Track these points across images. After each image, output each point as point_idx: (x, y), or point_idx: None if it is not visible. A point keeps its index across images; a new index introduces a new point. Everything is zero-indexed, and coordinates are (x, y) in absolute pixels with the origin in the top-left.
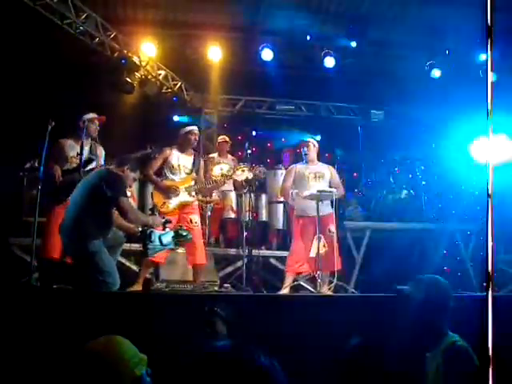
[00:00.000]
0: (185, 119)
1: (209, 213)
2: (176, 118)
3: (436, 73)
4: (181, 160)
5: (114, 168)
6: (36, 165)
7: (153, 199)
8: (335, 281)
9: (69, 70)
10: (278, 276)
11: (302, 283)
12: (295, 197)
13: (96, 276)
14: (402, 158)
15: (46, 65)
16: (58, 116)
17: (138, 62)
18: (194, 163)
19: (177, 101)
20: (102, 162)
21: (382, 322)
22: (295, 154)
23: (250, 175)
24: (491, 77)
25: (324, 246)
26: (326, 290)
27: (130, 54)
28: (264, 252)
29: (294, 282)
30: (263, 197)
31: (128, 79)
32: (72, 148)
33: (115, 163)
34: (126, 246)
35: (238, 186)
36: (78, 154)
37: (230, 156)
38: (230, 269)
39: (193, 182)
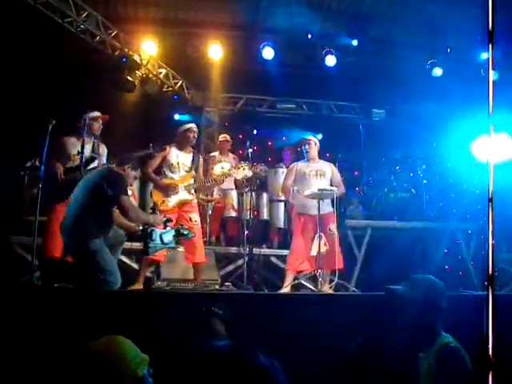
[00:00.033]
0: (186, 118)
1: (210, 211)
2: (177, 117)
3: (437, 71)
4: (180, 158)
5: (115, 167)
6: (37, 164)
7: (152, 198)
8: (336, 279)
9: (70, 69)
10: (278, 274)
11: (302, 282)
12: (296, 194)
13: (97, 275)
14: (404, 157)
15: (46, 63)
16: (59, 115)
17: (138, 61)
18: (193, 161)
19: (178, 99)
20: (105, 161)
21: (383, 321)
22: (296, 153)
23: (250, 173)
24: (492, 75)
25: (325, 244)
26: (327, 289)
27: (130, 53)
28: (265, 250)
29: (294, 280)
30: (264, 195)
31: (129, 78)
32: (74, 146)
33: (116, 162)
34: (127, 244)
35: (239, 185)
36: (78, 152)
37: (231, 154)
38: (230, 267)
39: (192, 180)
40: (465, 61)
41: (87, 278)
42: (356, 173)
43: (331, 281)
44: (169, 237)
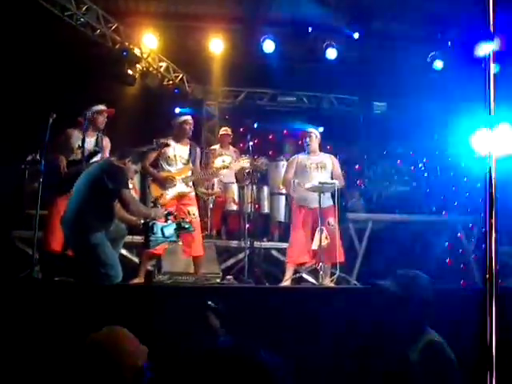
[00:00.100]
0: (186, 111)
1: (211, 205)
2: (177, 110)
3: (438, 64)
4: (177, 150)
5: (116, 160)
6: (37, 158)
7: (150, 191)
8: (337, 272)
9: (70, 62)
10: (279, 268)
11: (303, 275)
12: (296, 187)
13: (98, 269)
14: (405, 150)
15: (47, 57)
16: (59, 108)
17: (139, 54)
18: (190, 153)
19: (178, 93)
20: (108, 155)
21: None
22: (297, 146)
23: (246, 164)
24: (493, 68)
25: (326, 237)
26: (328, 282)
27: (131, 46)
28: (266, 244)
29: (295, 273)
30: (265, 189)
31: (129, 71)
32: (78, 139)
33: (117, 155)
34: (128, 238)
35: (239, 178)
36: (79, 146)
37: (231, 148)
38: (231, 261)
39: (189, 173)
40: (466, 54)
41: (88, 271)
42: (357, 166)
43: (332, 274)
44: (170, 230)
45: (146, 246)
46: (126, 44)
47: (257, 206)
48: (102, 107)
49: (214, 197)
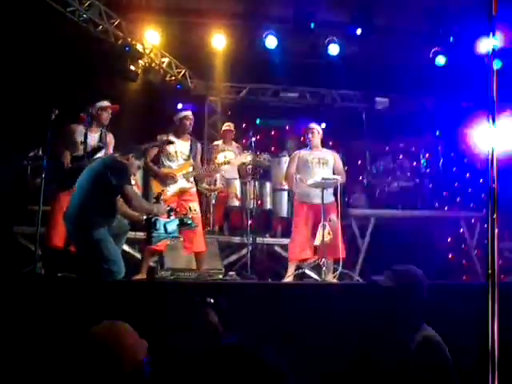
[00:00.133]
0: (189, 107)
1: (213, 201)
2: (180, 106)
3: (441, 60)
4: (178, 146)
5: (119, 156)
6: (40, 153)
7: (151, 187)
8: (340, 268)
9: (72, 58)
10: (282, 264)
11: (306, 271)
12: (299, 183)
13: (101, 264)
14: (407, 146)
15: (49, 53)
16: (62, 104)
17: (141, 50)
18: (191, 149)
19: (181, 88)
20: (111, 151)
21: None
22: (299, 142)
23: (247, 159)
24: (495, 64)
25: (329, 233)
26: (330, 278)
27: (133, 42)
28: (268, 240)
29: (297, 269)
30: (267, 184)
31: (132, 67)
32: (81, 134)
33: (120, 151)
34: (131, 234)
35: (242, 174)
36: (81, 142)
37: (234, 143)
38: (234, 257)
39: (190, 168)
40: (468, 49)
41: (91, 267)
42: (359, 162)
43: (335, 270)
44: (173, 226)
45: (148, 242)
46: (129, 40)
47: (259, 201)
48: (106, 103)
49: (216, 192)
